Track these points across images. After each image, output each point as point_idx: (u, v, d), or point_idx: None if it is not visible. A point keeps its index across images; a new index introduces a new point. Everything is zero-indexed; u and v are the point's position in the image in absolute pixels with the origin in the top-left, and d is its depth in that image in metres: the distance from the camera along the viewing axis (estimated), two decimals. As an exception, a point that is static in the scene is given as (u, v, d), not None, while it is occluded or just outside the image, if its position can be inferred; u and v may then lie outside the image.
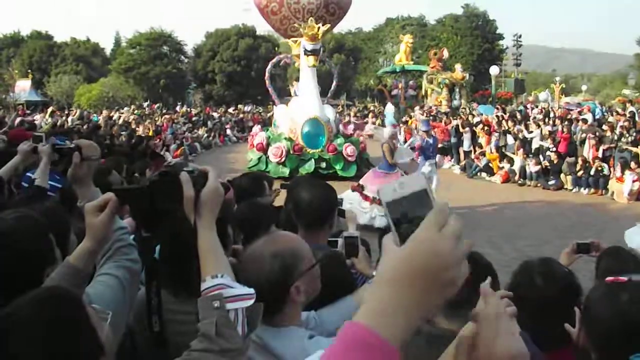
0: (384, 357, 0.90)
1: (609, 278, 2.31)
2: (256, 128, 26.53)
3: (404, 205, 0.99)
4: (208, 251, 1.84)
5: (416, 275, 0.93)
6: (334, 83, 23.40)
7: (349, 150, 19.80)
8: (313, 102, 20.25)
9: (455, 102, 38.18)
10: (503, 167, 20.19)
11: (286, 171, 18.93)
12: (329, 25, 19.93)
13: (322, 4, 22.07)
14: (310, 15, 20.92)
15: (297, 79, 24.39)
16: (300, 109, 20.23)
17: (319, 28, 18.74)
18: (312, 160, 19.54)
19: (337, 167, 19.67)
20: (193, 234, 1.89)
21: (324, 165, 19.63)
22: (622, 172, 16.63)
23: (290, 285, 2.09)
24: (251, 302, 1.75)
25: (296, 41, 21.56)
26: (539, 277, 2.60)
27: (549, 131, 20.88)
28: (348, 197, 11.47)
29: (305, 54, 19.37)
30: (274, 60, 24.82)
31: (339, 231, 4.13)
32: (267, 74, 23.85)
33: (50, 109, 27.93)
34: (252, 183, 4.81)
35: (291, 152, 19.60)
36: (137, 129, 21.80)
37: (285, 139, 19.99)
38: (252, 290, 1.78)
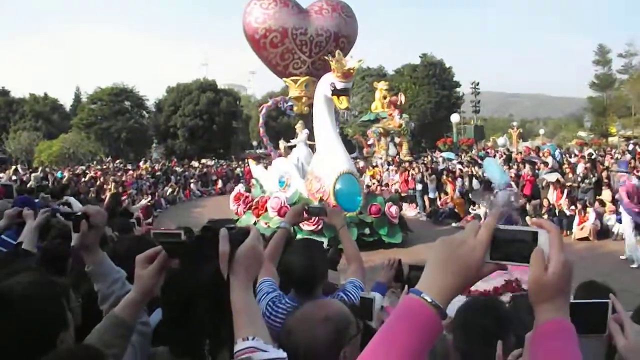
0: (426, 321, 1.27)
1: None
2: (240, 186, 21.98)
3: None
4: (241, 311, 1.78)
5: (445, 255, 1.33)
6: None
7: (392, 210, 16.80)
8: (341, 154, 16.64)
9: (391, 152, 36.34)
10: (470, 212, 20.41)
11: (324, 242, 14.38)
12: (362, 60, 16.65)
13: (332, 37, 19.34)
14: (319, 50, 18.82)
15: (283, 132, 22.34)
16: (324, 163, 16.54)
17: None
18: (354, 225, 15.62)
19: (382, 232, 16.31)
20: (213, 294, 1.91)
21: (367, 231, 16.10)
22: (584, 212, 17.02)
23: (340, 350, 2.04)
24: None
25: (296, 81, 19.49)
26: None
27: (513, 174, 21.22)
28: None
29: (333, 94, 15.68)
30: (269, 103, 21.16)
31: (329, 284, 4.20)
32: (261, 121, 20.67)
33: (13, 167, 27.77)
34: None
35: None
36: (106, 186, 21.48)
37: (319, 201, 15.72)
38: (284, 355, 1.73)
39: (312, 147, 19.24)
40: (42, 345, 1.99)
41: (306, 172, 17.47)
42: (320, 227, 15.00)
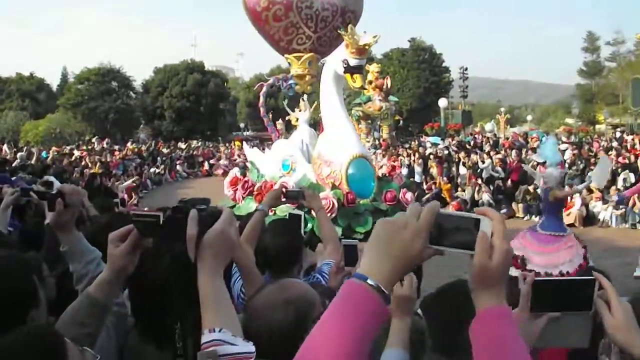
0: (371, 307, 1.23)
1: None
2: (235, 170, 20.21)
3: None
4: (207, 300, 1.66)
5: (388, 238, 1.27)
6: None
7: (407, 197, 16.24)
8: (352, 136, 16.03)
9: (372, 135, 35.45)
10: (457, 197, 20.40)
11: (339, 231, 12.84)
12: (378, 35, 15.26)
13: (339, 12, 17.87)
14: (325, 25, 17.62)
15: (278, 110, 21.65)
16: (334, 146, 15.62)
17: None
18: (369, 213, 15.13)
19: (396, 220, 15.99)
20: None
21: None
22: (570, 198, 17.08)
23: (303, 334, 1.93)
24: None
25: (299, 57, 18.17)
26: None
27: (499, 159, 21.29)
28: None
29: (346, 71, 14.81)
30: (270, 81, 19.87)
31: (311, 266, 4.16)
32: (261, 100, 19.41)
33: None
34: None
35: (343, 204, 14.94)
36: (91, 167, 21.40)
37: (331, 187, 15.31)
38: (252, 349, 1.61)
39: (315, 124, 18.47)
40: (11, 322, 1.92)
41: (311, 155, 16.67)
42: (335, 215, 14.28)
